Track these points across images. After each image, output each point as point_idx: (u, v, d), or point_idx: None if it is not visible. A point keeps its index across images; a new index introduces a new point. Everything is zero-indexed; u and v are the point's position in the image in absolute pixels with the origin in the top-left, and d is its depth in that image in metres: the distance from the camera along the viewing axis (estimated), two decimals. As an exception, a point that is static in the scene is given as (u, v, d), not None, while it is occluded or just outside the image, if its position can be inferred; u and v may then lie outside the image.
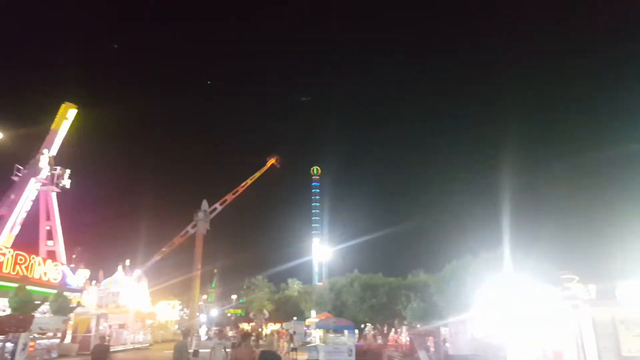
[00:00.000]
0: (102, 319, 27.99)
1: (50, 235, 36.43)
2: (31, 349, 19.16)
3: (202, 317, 58.10)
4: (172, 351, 11.40)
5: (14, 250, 23.77)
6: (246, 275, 62.28)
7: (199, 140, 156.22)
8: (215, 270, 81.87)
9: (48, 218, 36.49)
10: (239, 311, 67.48)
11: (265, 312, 51.70)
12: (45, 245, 36.20)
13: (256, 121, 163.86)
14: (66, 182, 37.16)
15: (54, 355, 21.62)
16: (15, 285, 20.29)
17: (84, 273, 35.81)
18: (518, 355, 13.18)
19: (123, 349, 28.87)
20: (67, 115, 38.24)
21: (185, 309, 60.78)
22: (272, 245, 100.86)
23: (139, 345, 32.13)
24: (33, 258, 24.81)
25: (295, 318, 46.22)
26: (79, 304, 27.31)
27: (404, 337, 34.08)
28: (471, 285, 18.86)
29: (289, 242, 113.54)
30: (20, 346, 17.14)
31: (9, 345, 16.29)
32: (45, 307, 22.87)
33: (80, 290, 30.62)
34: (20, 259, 23.54)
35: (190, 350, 20.37)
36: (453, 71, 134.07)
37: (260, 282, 58.09)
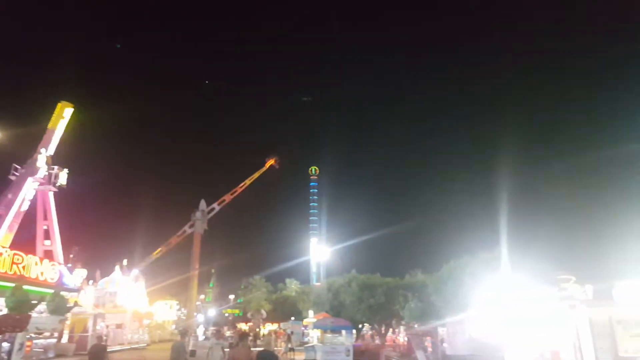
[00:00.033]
0: (99, 319, 27.94)
1: (47, 235, 36.31)
2: (28, 348, 19.10)
3: (200, 317, 57.99)
4: (169, 351, 11.38)
5: (11, 250, 23.68)
6: (244, 275, 62.27)
7: (198, 139, 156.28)
8: (213, 270, 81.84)
9: (45, 217, 36.38)
10: (237, 311, 67.43)
11: (263, 312, 51.66)
12: (42, 244, 36.08)
13: (254, 121, 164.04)
14: (63, 182, 37.06)
15: (51, 355, 21.57)
16: (12, 284, 20.22)
17: (81, 273, 35.66)
18: (516, 355, 13.21)
19: (120, 349, 28.81)
20: (64, 114, 38.14)
21: (182, 309, 60.72)
22: (270, 245, 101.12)
23: (136, 345, 32.07)
24: (30, 258, 24.73)
25: (293, 318, 46.21)
26: (76, 304, 27.25)
27: (401, 337, 34.12)
28: (469, 285, 18.89)
29: (287, 242, 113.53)
30: (16, 346, 17.08)
31: (5, 345, 16.23)
32: (42, 306, 22.80)
33: (77, 290, 30.54)
34: (17, 259, 23.45)
35: (188, 350, 20.32)
36: (453, 71, 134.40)
37: (257, 282, 58.03)
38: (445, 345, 22.13)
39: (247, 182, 55.57)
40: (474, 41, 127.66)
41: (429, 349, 22.37)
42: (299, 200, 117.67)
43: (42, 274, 25.25)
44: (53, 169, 36.44)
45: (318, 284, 62.67)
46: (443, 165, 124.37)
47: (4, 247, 24.37)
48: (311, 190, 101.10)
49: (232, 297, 70.88)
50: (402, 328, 33.50)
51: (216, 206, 52.79)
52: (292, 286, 58.74)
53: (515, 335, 13.27)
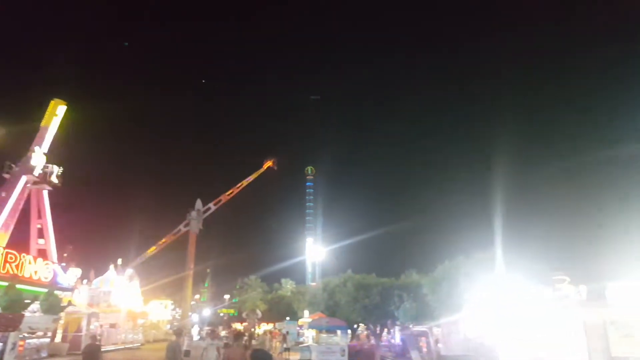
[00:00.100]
0: (93, 318, 27.76)
1: (41, 234, 36.09)
2: (20, 348, 18.96)
3: (195, 317, 57.82)
4: (164, 351, 11.34)
5: (4, 249, 23.52)
6: (239, 275, 62.22)
7: (194, 139, 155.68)
8: (208, 270, 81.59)
9: (39, 216, 36.14)
10: (232, 311, 67.28)
11: (258, 312, 51.58)
12: (36, 243, 35.86)
13: (252, 121, 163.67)
14: (57, 180, 36.84)
15: (44, 354, 21.41)
16: (5, 283, 20.10)
17: (75, 272, 35.51)
18: (510, 355, 13.27)
19: (114, 348, 28.66)
20: (57, 112, 37.94)
21: (177, 309, 60.47)
22: (265, 245, 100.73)
23: (131, 345, 31.93)
24: (23, 256, 24.57)
25: (288, 318, 46.17)
26: (69, 303, 27.11)
27: (396, 338, 34.18)
28: (464, 286, 18.94)
29: (283, 242, 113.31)
30: (9, 345, 16.98)
31: (-2, 344, 16.13)
32: (36, 306, 22.67)
33: (71, 289, 30.38)
34: (11, 258, 23.30)
35: (183, 350, 20.25)
36: (453, 71, 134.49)
37: (253, 282, 57.97)
38: (440, 345, 22.22)
39: (244, 183, 55.49)
40: (474, 41, 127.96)
41: (424, 349, 22.45)
42: (294, 200, 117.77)
43: (35, 273, 25.10)
44: (47, 167, 36.23)
45: (313, 283, 62.67)
46: (439, 165, 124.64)
47: (-3, 246, 24.20)
48: (307, 190, 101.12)
49: (227, 297, 70.66)
50: (397, 328, 33.55)
51: (212, 206, 52.63)
52: (288, 286, 58.69)
53: (510, 336, 13.34)
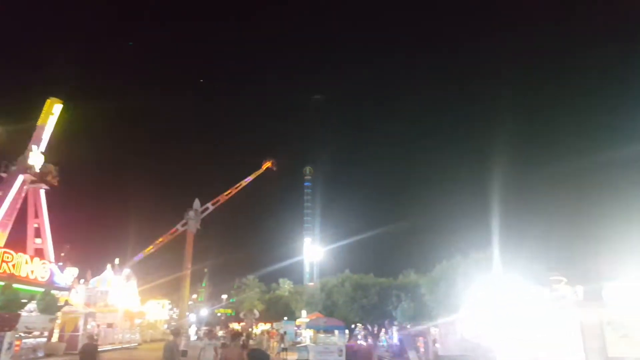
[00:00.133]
0: (90, 318, 27.70)
1: (38, 233, 35.98)
2: (17, 348, 18.90)
3: (192, 317, 57.76)
4: (161, 351, 11.30)
5: (1, 248, 23.44)
6: (237, 275, 62.17)
7: (193, 139, 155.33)
8: (206, 270, 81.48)
9: (36, 215, 36.02)
10: (229, 311, 67.22)
11: (256, 312, 51.57)
12: (33, 243, 35.75)
13: (250, 121, 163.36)
14: (55, 180, 36.72)
15: (40, 354, 21.35)
16: (2, 283, 20.01)
17: (72, 271, 35.37)
18: (507, 355, 13.30)
19: (112, 348, 28.61)
20: (53, 111, 37.84)
21: (174, 309, 60.36)
22: (263, 245, 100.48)
23: (128, 345, 31.87)
24: (20, 256, 24.49)
25: (285, 318, 46.14)
26: (66, 303, 27.00)
27: (394, 338, 34.22)
28: (461, 286, 18.96)
29: (281, 242, 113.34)
30: (5, 345, 16.92)
31: (-6, 344, 16.07)
32: (32, 305, 22.58)
33: (68, 289, 30.27)
34: (7, 257, 23.21)
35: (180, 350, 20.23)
36: (453, 71, 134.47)
37: (251, 282, 57.91)
38: (437, 345, 22.26)
39: (243, 183, 55.38)
40: (474, 41, 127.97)
41: (421, 349, 22.50)
42: (293, 200, 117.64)
43: (32, 272, 25.00)
44: (45, 166, 36.12)
45: (311, 283, 62.63)
46: (438, 165, 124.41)
47: (-7, 245, 24.12)
48: (305, 190, 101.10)
49: (224, 296, 70.64)
50: (394, 328, 33.58)
51: (210, 206, 52.47)
52: (285, 286, 58.68)
53: (507, 336, 13.38)
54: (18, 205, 34.31)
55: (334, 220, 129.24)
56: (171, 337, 12.06)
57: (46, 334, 22.60)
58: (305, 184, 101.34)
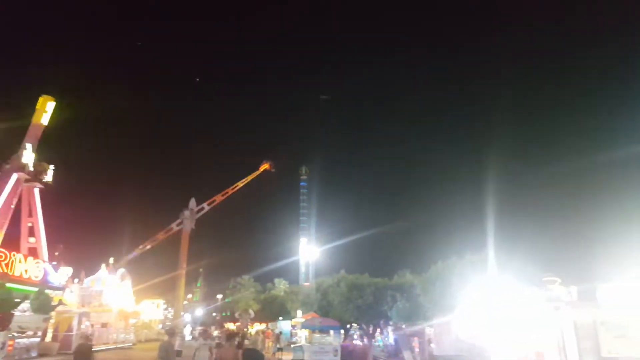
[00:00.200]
0: (84, 318, 27.53)
1: (32, 232, 35.74)
2: (10, 347, 18.77)
3: (187, 317, 57.57)
4: (156, 351, 11.27)
5: (-5, 247, 23.28)
6: (232, 275, 61.96)
7: (191, 138, 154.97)
8: (201, 270, 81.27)
9: (30, 214, 35.78)
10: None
11: (251, 311, 51.47)
12: (26, 242, 35.50)
13: (249, 121, 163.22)
14: (49, 178, 36.49)
15: (34, 354, 21.20)
16: (-5, 282, 19.88)
17: (66, 271, 35.16)
18: (501, 356, 13.37)
19: (106, 348, 28.44)
20: (47, 108, 37.56)
21: (169, 308, 60.14)
22: (259, 245, 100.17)
23: (122, 345, 31.72)
24: (14, 255, 24.33)
25: (281, 318, 46.11)
26: (60, 302, 26.85)
27: (390, 338, 34.29)
28: (456, 287, 19.01)
29: (276, 242, 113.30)
30: (-2, 345, 16.79)
31: (-13, 344, 15.95)
32: (26, 305, 22.45)
33: (62, 288, 30.11)
34: (0, 256, 23.05)
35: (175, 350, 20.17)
36: (453, 71, 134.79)
37: (246, 282, 57.75)
38: (432, 345, 22.32)
39: (240, 184, 55.24)
40: (474, 41, 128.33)
41: (416, 350, 22.55)
42: (289, 200, 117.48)
43: (26, 271, 24.85)
44: (39, 164, 35.88)
45: (307, 283, 62.63)
46: (435, 166, 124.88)
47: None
48: (301, 190, 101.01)
49: (220, 296, 70.46)
50: (390, 328, 33.64)
51: (206, 206, 52.33)
52: (281, 286, 58.55)
53: (502, 336, 13.44)
54: (13, 205, 34.06)
55: (330, 220, 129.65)
56: (166, 337, 12.01)
57: (40, 333, 22.44)
58: (301, 183, 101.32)
